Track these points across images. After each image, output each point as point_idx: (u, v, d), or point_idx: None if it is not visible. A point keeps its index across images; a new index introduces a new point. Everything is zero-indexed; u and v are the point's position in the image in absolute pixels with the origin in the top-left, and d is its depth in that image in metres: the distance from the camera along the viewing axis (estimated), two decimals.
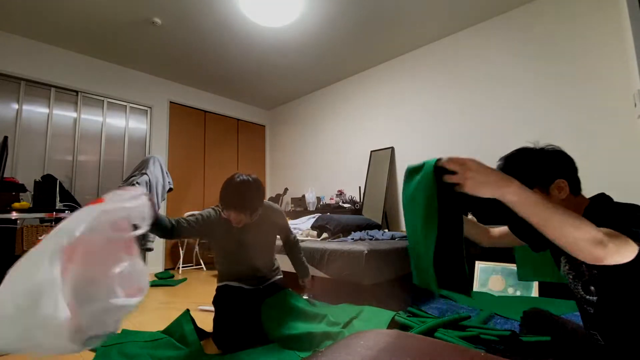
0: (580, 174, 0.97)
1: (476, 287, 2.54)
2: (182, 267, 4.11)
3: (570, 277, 0.93)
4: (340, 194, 4.20)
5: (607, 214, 0.77)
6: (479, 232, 1.14)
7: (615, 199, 0.92)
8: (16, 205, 1.90)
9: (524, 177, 0.85)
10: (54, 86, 3.46)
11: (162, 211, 4.11)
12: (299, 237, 2.91)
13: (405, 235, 2.76)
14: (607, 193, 0.95)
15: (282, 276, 1.99)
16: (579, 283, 0.91)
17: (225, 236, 1.68)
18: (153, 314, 2.27)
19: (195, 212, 1.71)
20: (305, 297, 2.41)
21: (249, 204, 1.53)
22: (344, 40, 3.47)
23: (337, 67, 4.13)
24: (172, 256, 4.26)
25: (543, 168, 0.92)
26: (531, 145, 0.97)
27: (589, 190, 1.06)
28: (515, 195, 0.71)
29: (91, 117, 3.73)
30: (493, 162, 3.25)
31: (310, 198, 4.21)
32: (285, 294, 1.77)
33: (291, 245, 1.98)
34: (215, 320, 1.67)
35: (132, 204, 0.90)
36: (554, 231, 0.67)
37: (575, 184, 0.93)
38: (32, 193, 2.22)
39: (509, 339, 1.30)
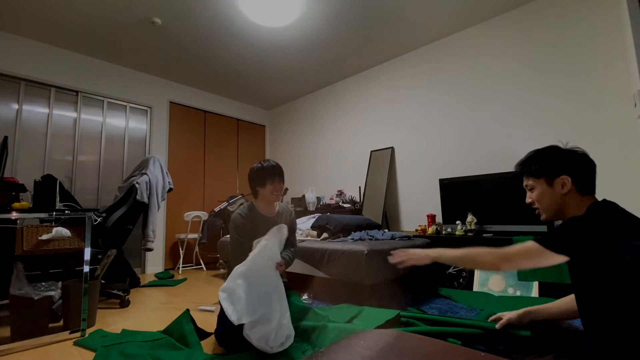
0: None
1: (476, 287, 2.54)
2: (182, 267, 4.11)
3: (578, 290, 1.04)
4: (340, 194, 4.20)
5: (567, 227, 0.94)
6: (566, 304, 1.20)
7: (615, 200, 0.94)
8: (16, 205, 1.90)
9: (537, 167, 1.07)
10: (54, 86, 3.46)
11: (162, 211, 4.12)
12: (299, 237, 2.92)
13: (405, 236, 2.76)
14: (607, 193, 0.98)
15: (286, 280, 1.99)
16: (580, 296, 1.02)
17: (250, 233, 1.74)
18: (153, 314, 2.28)
19: (232, 229, 1.81)
20: (304, 297, 2.42)
21: (284, 175, 1.84)
22: (344, 40, 3.47)
23: (337, 67, 4.13)
24: (172, 256, 4.26)
25: (552, 162, 1.05)
26: (560, 144, 1.09)
27: None
28: (435, 258, 1.17)
29: (91, 117, 3.73)
30: (493, 161, 3.25)
31: (310, 198, 4.21)
32: (287, 295, 1.77)
33: (287, 246, 1.98)
34: (219, 317, 1.66)
35: None
36: (467, 266, 1.04)
37: (583, 183, 1.01)
38: (32, 193, 2.22)
39: (501, 335, 1.30)
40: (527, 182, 1.10)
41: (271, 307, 1.40)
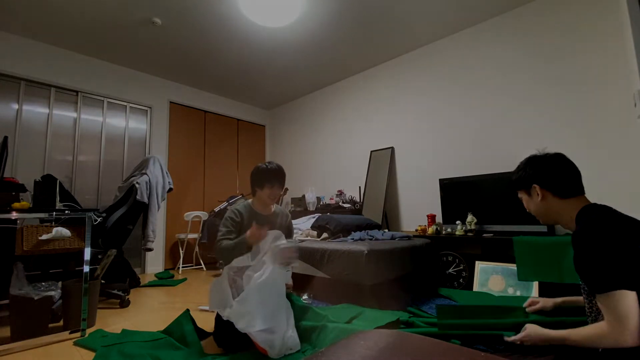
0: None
1: (476, 287, 2.54)
2: (182, 267, 4.11)
3: (585, 290, 1.02)
4: (340, 194, 4.19)
5: (587, 259, 0.87)
6: None
7: (615, 200, 0.94)
8: (16, 205, 1.89)
9: (515, 181, 1.14)
10: (54, 86, 3.46)
11: (162, 211, 4.12)
12: (299, 237, 2.92)
13: (405, 236, 2.76)
14: (607, 193, 0.97)
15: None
16: (586, 296, 1.00)
17: (247, 228, 1.73)
18: (153, 314, 2.28)
19: (227, 218, 1.81)
20: (304, 297, 2.42)
21: (284, 180, 1.85)
22: (344, 40, 3.47)
23: (337, 67, 4.13)
24: (172, 256, 4.26)
25: (523, 174, 1.11)
26: (536, 152, 1.12)
27: (588, 190, 1.06)
28: (550, 340, 0.99)
29: (91, 117, 3.73)
30: (493, 161, 3.24)
31: (310, 198, 4.21)
32: (288, 295, 1.77)
33: None
34: (217, 318, 1.66)
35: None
36: (583, 345, 0.89)
37: (556, 187, 1.02)
38: (32, 193, 2.22)
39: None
40: (518, 194, 1.18)
41: (278, 323, 1.41)
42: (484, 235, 2.69)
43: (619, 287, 0.80)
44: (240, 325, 1.33)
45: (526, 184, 1.09)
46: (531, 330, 1.04)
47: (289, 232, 1.97)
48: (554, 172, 1.04)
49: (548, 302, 1.30)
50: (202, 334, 1.72)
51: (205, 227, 4.09)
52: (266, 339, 1.37)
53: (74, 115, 3.61)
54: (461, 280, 2.69)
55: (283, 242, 1.54)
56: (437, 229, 3.10)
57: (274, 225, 1.85)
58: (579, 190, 1.02)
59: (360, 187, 4.05)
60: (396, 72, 3.88)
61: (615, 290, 0.81)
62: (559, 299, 1.28)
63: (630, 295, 0.79)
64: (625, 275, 0.81)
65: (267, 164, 1.82)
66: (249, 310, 1.36)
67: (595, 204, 0.97)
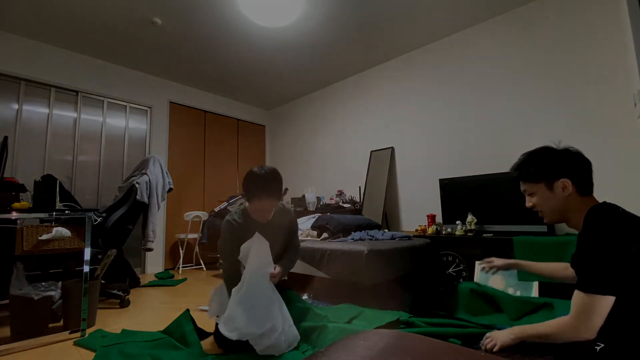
0: None
1: None
2: (182, 267, 4.11)
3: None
4: (340, 194, 4.19)
5: (586, 257, 0.87)
6: (557, 270, 1.26)
7: (615, 201, 0.94)
8: (16, 205, 1.89)
9: (534, 171, 1.02)
10: (54, 86, 3.46)
11: (162, 211, 4.11)
12: (299, 237, 2.91)
13: (405, 236, 2.76)
14: (607, 194, 0.96)
15: (285, 278, 1.98)
16: None
17: (242, 240, 1.63)
18: (153, 314, 2.28)
19: (223, 235, 1.71)
20: (304, 297, 2.42)
21: (277, 191, 1.62)
22: (344, 40, 3.47)
23: (337, 67, 4.13)
24: (172, 256, 4.26)
25: (549, 166, 1.00)
26: (553, 145, 1.04)
27: None
28: (516, 339, 0.97)
29: (91, 117, 3.73)
30: (493, 161, 3.23)
31: (310, 198, 4.21)
32: (287, 295, 1.77)
33: (289, 248, 1.90)
34: None
35: None
36: (546, 341, 0.92)
37: (583, 184, 0.98)
38: (32, 193, 2.22)
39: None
40: (525, 187, 1.06)
41: (274, 320, 1.42)
42: (484, 235, 2.69)
43: (599, 293, 0.81)
44: (236, 338, 1.37)
45: (552, 176, 0.98)
46: (494, 335, 1.01)
47: (291, 234, 1.89)
48: (582, 168, 0.98)
49: (499, 261, 1.37)
50: (202, 334, 1.72)
51: (205, 227, 4.09)
52: (266, 345, 1.39)
53: (74, 115, 3.61)
54: (461, 280, 2.69)
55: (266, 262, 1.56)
56: (437, 229, 3.10)
57: (273, 231, 1.73)
58: (593, 188, 1.00)
59: (360, 187, 4.05)
60: (396, 72, 3.88)
61: (594, 294, 0.82)
62: (510, 260, 1.36)
63: (606, 301, 0.80)
64: (612, 282, 0.81)
65: (256, 169, 1.60)
66: (237, 326, 1.39)
67: (605, 203, 0.95)
